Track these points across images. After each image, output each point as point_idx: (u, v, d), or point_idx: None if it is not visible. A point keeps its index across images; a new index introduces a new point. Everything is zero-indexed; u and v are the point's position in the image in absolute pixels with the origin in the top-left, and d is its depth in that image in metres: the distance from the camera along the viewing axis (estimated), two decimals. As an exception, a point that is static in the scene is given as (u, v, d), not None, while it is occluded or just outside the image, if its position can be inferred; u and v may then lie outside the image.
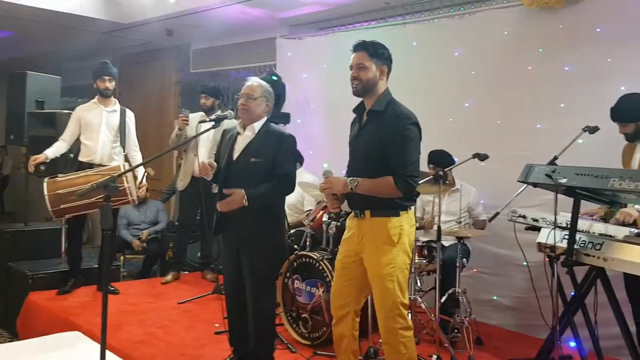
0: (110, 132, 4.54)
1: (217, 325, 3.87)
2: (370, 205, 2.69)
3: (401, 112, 2.68)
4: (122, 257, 6.06)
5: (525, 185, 3.22)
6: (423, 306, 3.70)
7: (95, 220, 7.26)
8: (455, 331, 3.70)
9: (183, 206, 5.30)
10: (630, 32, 3.79)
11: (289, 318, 3.84)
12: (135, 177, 4.39)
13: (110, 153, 4.52)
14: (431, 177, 3.55)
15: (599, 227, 2.94)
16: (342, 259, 2.84)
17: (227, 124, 3.67)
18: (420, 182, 3.52)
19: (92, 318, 3.92)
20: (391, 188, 2.60)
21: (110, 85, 4.56)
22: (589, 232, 2.95)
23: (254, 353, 3.14)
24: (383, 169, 2.64)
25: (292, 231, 4.65)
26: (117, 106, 4.64)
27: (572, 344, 3.32)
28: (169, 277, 5.13)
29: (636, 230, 2.78)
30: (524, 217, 3.32)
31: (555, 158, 3.39)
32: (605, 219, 3.12)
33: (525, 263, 3.56)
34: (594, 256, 2.85)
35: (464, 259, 3.90)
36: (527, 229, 3.37)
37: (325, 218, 3.93)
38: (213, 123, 3.30)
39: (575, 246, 2.90)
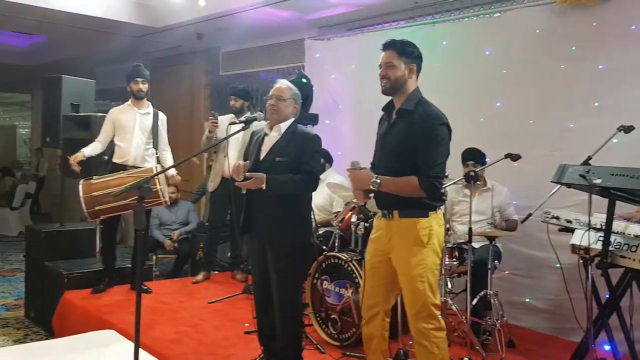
0: (144, 134, 4.62)
1: (246, 325, 3.90)
2: (398, 206, 2.68)
3: (431, 111, 2.66)
4: (154, 257, 6.16)
5: (559, 185, 3.16)
6: (454, 308, 3.67)
7: (129, 221, 7.38)
8: (487, 334, 3.65)
9: (213, 207, 5.36)
10: (667, 28, 3.70)
11: (318, 319, 3.84)
12: (167, 178, 4.46)
13: (143, 155, 4.60)
14: (462, 177, 3.51)
15: (634, 229, 2.87)
16: (370, 259, 2.83)
17: (256, 125, 3.70)
18: (450, 183, 3.53)
19: (125, 316, 3.99)
20: (415, 188, 2.58)
21: (144, 87, 4.63)
22: (624, 233, 2.89)
23: (281, 351, 3.17)
24: (410, 168, 2.62)
25: (320, 232, 4.66)
26: (150, 109, 4.72)
27: (607, 347, 3.25)
28: (200, 276, 5.19)
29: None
30: (557, 218, 3.26)
31: (589, 158, 3.31)
32: (641, 222, 3.05)
33: (558, 265, 3.49)
34: (629, 258, 2.79)
35: (496, 261, 3.85)
36: (560, 230, 3.31)
37: (354, 219, 3.92)
38: (242, 125, 3.34)
39: (610, 248, 2.84)
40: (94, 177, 4.30)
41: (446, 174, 3.48)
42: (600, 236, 2.89)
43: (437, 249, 2.66)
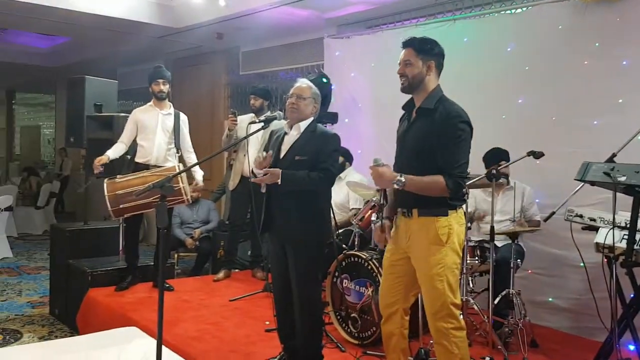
0: (165, 134, 4.66)
1: (267, 323, 3.92)
2: (418, 205, 2.66)
3: (452, 110, 2.64)
4: (175, 255, 6.22)
5: (582, 183, 3.12)
6: (476, 307, 3.64)
7: (151, 219, 7.47)
8: (509, 333, 3.62)
9: (233, 205, 5.39)
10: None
11: (338, 317, 3.85)
12: (191, 178, 4.51)
13: (165, 155, 4.65)
14: (484, 175, 3.48)
15: (661, 227, 2.81)
16: (389, 257, 2.82)
17: (275, 124, 3.72)
18: (473, 181, 3.50)
19: (148, 314, 4.04)
20: (441, 187, 2.56)
21: (165, 88, 4.68)
22: (650, 232, 2.83)
23: (301, 349, 3.18)
24: (430, 167, 2.61)
25: (340, 230, 4.66)
26: (172, 109, 4.77)
27: (632, 347, 3.19)
28: (221, 274, 5.23)
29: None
30: (580, 216, 3.22)
31: (614, 155, 3.25)
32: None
33: (582, 264, 3.44)
34: (655, 257, 2.74)
35: (518, 260, 3.81)
36: (584, 228, 3.27)
37: (373, 217, 3.91)
38: (262, 124, 3.36)
39: (635, 246, 2.80)
40: (118, 176, 4.36)
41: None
42: (624, 234, 2.85)
43: (456, 248, 2.64)
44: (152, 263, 4.97)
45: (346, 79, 5.85)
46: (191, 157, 4.78)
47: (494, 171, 3.48)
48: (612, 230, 2.90)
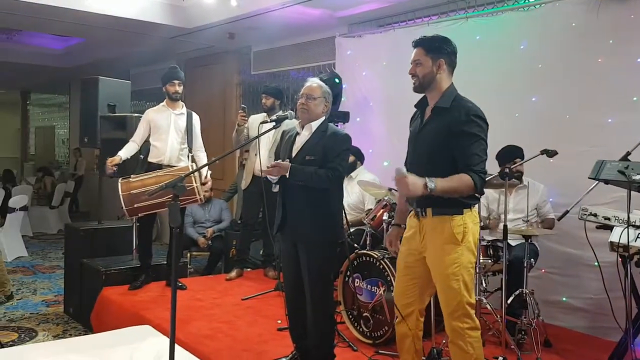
0: (178, 134, 4.69)
1: (279, 322, 3.93)
2: (432, 204, 2.64)
3: (469, 108, 2.61)
4: (188, 254, 6.26)
5: (597, 182, 3.09)
6: (489, 307, 3.62)
7: (164, 219, 7.50)
8: (522, 333, 3.60)
9: (245, 205, 5.41)
10: None
11: (350, 317, 3.84)
12: (200, 176, 4.52)
13: (178, 154, 4.67)
14: (496, 174, 3.46)
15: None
16: (404, 258, 2.81)
17: (287, 124, 3.72)
18: (486, 179, 3.48)
19: (161, 312, 4.06)
20: (469, 185, 2.53)
21: (179, 89, 4.71)
22: (665, 231, 2.80)
23: (314, 349, 3.18)
24: (443, 166, 2.59)
25: (352, 230, 4.65)
26: (184, 109, 4.80)
27: (647, 348, 3.17)
28: (233, 273, 5.24)
29: None
30: (595, 215, 3.18)
31: (628, 154, 3.22)
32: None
33: (596, 263, 3.41)
34: (671, 256, 2.71)
35: (532, 259, 3.78)
36: (598, 227, 3.24)
37: (385, 217, 3.91)
38: (274, 124, 3.36)
39: (651, 246, 2.77)
40: (132, 175, 4.39)
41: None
42: (639, 233, 2.82)
43: (472, 247, 2.62)
44: (165, 262, 5.00)
45: (358, 78, 5.84)
46: (201, 156, 4.80)
47: (506, 170, 3.45)
48: (627, 229, 2.87)
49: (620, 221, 3.03)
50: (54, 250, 8.31)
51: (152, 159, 4.67)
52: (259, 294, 4.66)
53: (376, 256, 3.67)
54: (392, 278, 3.48)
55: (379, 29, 5.81)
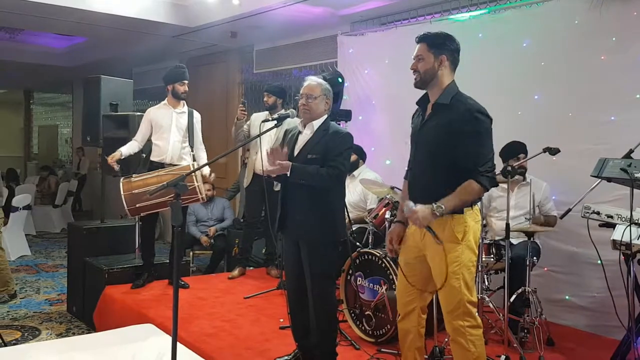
0: (180, 133, 4.69)
1: (281, 320, 3.94)
2: (434, 201, 2.64)
3: (471, 105, 2.60)
4: (191, 253, 6.27)
5: (599, 180, 3.08)
6: (491, 305, 3.62)
7: (167, 217, 7.52)
8: (525, 331, 3.59)
9: (248, 203, 5.42)
10: None
11: (353, 315, 3.84)
12: (202, 175, 4.53)
13: (180, 153, 4.68)
14: (499, 172, 3.44)
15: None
16: (405, 256, 2.81)
17: (289, 122, 3.72)
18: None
19: (164, 311, 4.07)
20: (477, 191, 2.54)
21: (187, 88, 4.73)
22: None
23: (315, 347, 3.18)
24: (446, 163, 2.59)
25: (354, 228, 4.65)
26: (185, 107, 4.79)
27: (651, 346, 3.16)
28: (236, 272, 5.25)
29: None
30: (597, 213, 3.18)
31: (631, 151, 3.21)
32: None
33: (599, 261, 3.40)
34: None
35: (534, 257, 3.78)
36: (601, 225, 3.23)
37: (387, 215, 3.90)
38: (275, 122, 3.36)
39: (654, 244, 2.76)
40: (134, 175, 4.39)
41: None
42: (643, 232, 2.81)
43: (472, 245, 2.62)
44: (168, 261, 5.01)
45: (360, 76, 5.84)
46: (201, 154, 4.80)
47: (509, 167, 3.45)
48: (629, 228, 2.86)
49: (623, 219, 3.03)
50: (57, 249, 8.33)
51: (154, 157, 4.67)
52: (262, 293, 4.67)
53: (378, 255, 3.67)
54: (394, 276, 3.48)
55: (381, 27, 5.80)
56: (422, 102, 2.80)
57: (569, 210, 3.40)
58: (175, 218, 2.35)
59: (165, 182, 2.48)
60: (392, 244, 2.84)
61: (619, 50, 3.97)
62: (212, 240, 6.26)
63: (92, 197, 11.68)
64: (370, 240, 4.02)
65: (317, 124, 3.16)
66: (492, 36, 4.73)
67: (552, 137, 3.87)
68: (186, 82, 4.70)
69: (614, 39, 4.01)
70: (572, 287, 4.19)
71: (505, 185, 3.57)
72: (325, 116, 3.19)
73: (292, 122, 3.61)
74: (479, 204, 2.74)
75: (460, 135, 2.56)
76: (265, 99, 5.13)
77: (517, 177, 3.67)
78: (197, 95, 8.01)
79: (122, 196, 4.24)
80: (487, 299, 3.60)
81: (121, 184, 4.29)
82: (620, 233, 3.03)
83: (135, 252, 5.19)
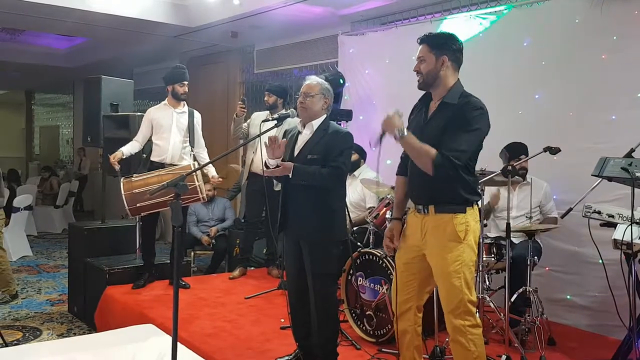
0: (180, 133, 4.69)
1: (282, 320, 3.93)
2: (435, 201, 2.64)
3: (473, 101, 2.60)
4: (192, 253, 6.27)
5: (600, 179, 3.07)
6: (492, 305, 3.61)
7: (168, 217, 7.52)
8: (526, 331, 3.58)
9: (248, 203, 5.41)
10: None
11: (353, 315, 3.84)
12: (206, 176, 4.53)
13: (181, 153, 4.68)
14: (499, 172, 3.45)
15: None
16: (403, 255, 2.80)
17: (289, 122, 3.72)
18: (487, 177, 3.47)
19: (164, 311, 4.07)
20: (430, 158, 2.51)
21: (187, 89, 4.73)
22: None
23: (316, 347, 3.18)
24: None
25: (355, 228, 4.65)
26: (186, 107, 4.80)
27: (652, 346, 3.15)
28: (237, 272, 5.24)
29: None
30: (598, 212, 3.17)
31: (632, 150, 3.20)
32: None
33: (600, 261, 3.40)
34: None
35: (535, 257, 3.77)
36: (602, 225, 3.22)
37: (388, 215, 3.90)
38: (275, 122, 3.36)
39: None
40: (134, 175, 4.40)
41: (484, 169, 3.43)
42: (643, 231, 2.81)
43: (473, 245, 2.62)
44: (169, 261, 5.01)
45: (361, 76, 5.83)
46: (203, 155, 4.81)
47: (509, 167, 3.44)
48: (630, 227, 2.85)
49: (624, 219, 3.02)
50: (58, 250, 8.33)
51: (154, 157, 4.67)
52: (262, 293, 4.67)
53: (379, 254, 3.66)
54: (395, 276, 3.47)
55: (382, 27, 5.80)
56: (424, 100, 2.80)
57: (570, 209, 3.39)
58: (176, 218, 2.35)
59: (165, 182, 2.48)
60: (392, 242, 2.83)
61: (619, 49, 3.97)
62: (214, 241, 6.26)
63: (93, 198, 11.69)
64: (371, 240, 4.02)
65: (316, 123, 3.15)
66: (492, 35, 4.73)
67: (552, 136, 3.86)
68: (186, 83, 4.70)
69: (614, 37, 4.00)
70: (573, 287, 4.19)
71: (506, 185, 3.56)
72: (325, 116, 3.18)
73: (293, 122, 3.61)
74: (478, 204, 2.73)
75: (453, 125, 2.55)
76: (265, 98, 5.12)
77: (516, 178, 3.66)
78: (197, 96, 8.02)
79: (123, 196, 4.24)
80: (488, 298, 3.60)
81: (122, 184, 4.29)
82: (621, 232, 3.02)
83: (136, 253, 5.19)
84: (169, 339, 2.54)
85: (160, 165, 4.60)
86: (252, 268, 5.61)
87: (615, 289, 3.19)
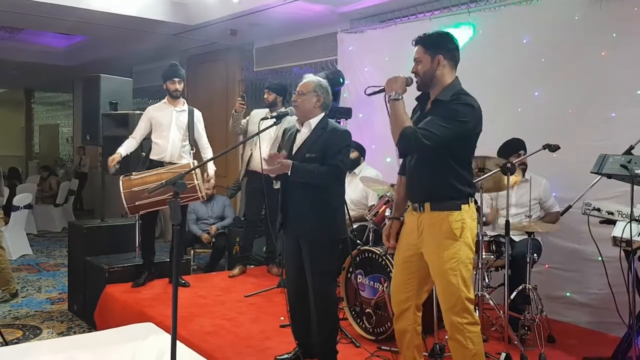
0: (180, 131, 4.69)
1: (282, 318, 3.93)
2: (430, 199, 2.64)
3: (463, 99, 2.59)
4: (192, 251, 6.26)
5: (599, 176, 3.07)
6: (491, 303, 3.61)
7: (167, 216, 7.52)
8: (526, 328, 3.59)
9: (248, 202, 5.41)
10: None
11: (353, 313, 3.84)
12: (203, 174, 4.53)
13: (180, 151, 4.67)
14: (498, 169, 3.44)
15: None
16: (401, 254, 2.80)
17: (288, 120, 3.71)
18: (486, 175, 3.46)
19: (164, 310, 4.07)
20: (400, 129, 2.53)
21: (180, 86, 4.71)
22: (669, 225, 2.79)
23: (316, 345, 3.18)
24: (444, 158, 2.59)
25: (355, 226, 4.65)
26: (186, 106, 4.79)
27: (652, 343, 3.15)
28: (236, 270, 5.25)
29: None
30: (598, 210, 3.17)
31: (632, 148, 3.21)
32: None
33: (600, 258, 3.40)
34: (674, 251, 2.69)
35: (535, 255, 3.77)
36: (601, 222, 3.22)
37: (387, 213, 3.90)
38: (274, 120, 3.36)
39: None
40: (133, 173, 4.40)
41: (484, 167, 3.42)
42: (643, 228, 2.81)
43: (470, 242, 2.62)
44: (168, 259, 5.01)
45: (360, 73, 5.82)
46: (208, 154, 4.80)
47: (508, 164, 3.44)
48: (630, 224, 2.85)
49: (624, 216, 3.02)
50: (58, 248, 8.33)
51: (153, 156, 4.67)
52: (262, 291, 4.67)
53: (379, 252, 3.66)
54: (394, 274, 3.47)
55: (381, 25, 5.79)
56: (422, 99, 2.80)
57: (570, 206, 3.40)
58: (174, 216, 2.35)
59: (164, 181, 2.48)
60: (390, 241, 2.84)
61: (619, 46, 3.96)
62: (214, 239, 6.25)
63: (93, 196, 11.69)
64: (370, 238, 4.02)
65: (314, 122, 3.15)
66: (491, 33, 4.71)
67: (552, 133, 3.87)
68: (177, 80, 4.67)
69: (614, 35, 4.00)
70: (573, 284, 4.19)
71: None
72: (322, 114, 3.18)
73: (292, 120, 3.60)
74: (474, 201, 2.73)
75: (440, 114, 2.56)
76: (265, 96, 5.12)
77: (514, 175, 3.66)
78: (197, 93, 8.02)
79: (122, 194, 4.24)
80: (487, 296, 3.60)
81: (121, 182, 4.29)
82: (620, 230, 3.03)
83: (136, 251, 5.19)
84: (168, 337, 2.54)
85: (159, 164, 4.60)
86: (252, 266, 5.61)
87: (614, 286, 3.19)
